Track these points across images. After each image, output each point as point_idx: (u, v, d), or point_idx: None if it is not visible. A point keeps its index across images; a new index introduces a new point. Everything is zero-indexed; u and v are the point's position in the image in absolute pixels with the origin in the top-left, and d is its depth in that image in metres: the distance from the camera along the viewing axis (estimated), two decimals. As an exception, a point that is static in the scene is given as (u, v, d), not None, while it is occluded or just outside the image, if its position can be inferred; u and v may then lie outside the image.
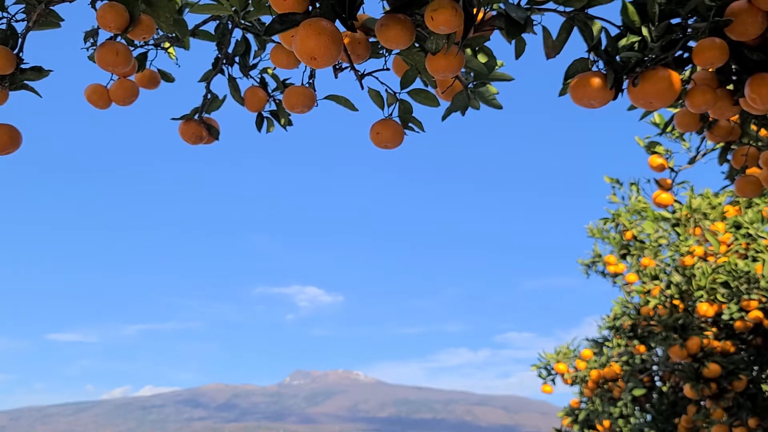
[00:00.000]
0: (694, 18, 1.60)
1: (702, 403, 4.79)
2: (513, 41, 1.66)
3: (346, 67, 1.77)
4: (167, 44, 2.28)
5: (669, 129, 3.24)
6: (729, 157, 2.53)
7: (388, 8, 1.58)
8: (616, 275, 6.21)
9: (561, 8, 1.61)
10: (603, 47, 1.61)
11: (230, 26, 2.22)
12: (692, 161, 3.29)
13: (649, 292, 5.08)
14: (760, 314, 4.36)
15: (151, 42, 2.24)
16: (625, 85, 1.62)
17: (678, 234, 5.09)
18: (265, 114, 2.37)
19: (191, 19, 2.14)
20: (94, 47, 2.13)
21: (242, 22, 2.11)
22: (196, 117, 2.32)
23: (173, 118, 2.29)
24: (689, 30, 1.59)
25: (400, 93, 1.83)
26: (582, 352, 6.02)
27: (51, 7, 1.88)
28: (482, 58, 1.83)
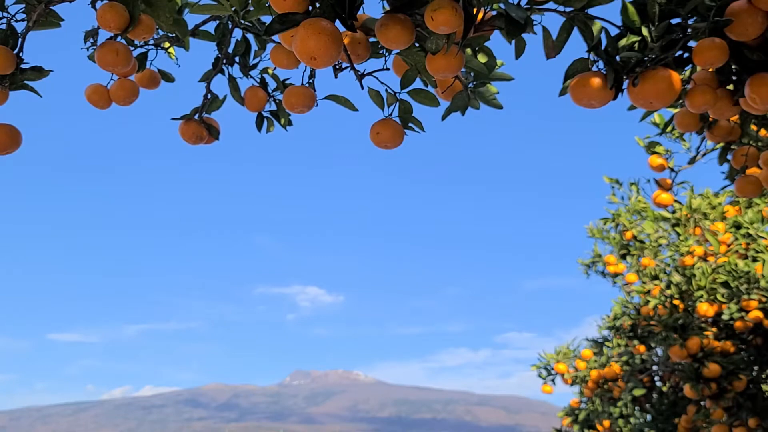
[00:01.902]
0: (694, 18, 1.60)
1: (702, 403, 4.79)
2: (513, 41, 1.66)
3: (346, 67, 1.77)
4: (167, 44, 2.28)
5: (669, 129, 3.24)
6: (729, 157, 2.53)
7: (388, 8, 1.58)
8: (616, 275, 6.21)
9: (561, 8, 1.61)
10: (603, 47, 1.61)
11: (230, 26, 2.22)
12: (692, 161, 3.29)
13: (649, 292, 5.08)
14: (760, 314, 4.36)
15: (151, 42, 2.24)
16: (625, 85, 1.62)
17: (678, 234, 5.09)
18: (265, 114, 2.37)
19: (191, 19, 2.15)
20: (94, 47, 2.13)
21: (242, 22, 2.11)
22: (196, 117, 2.32)
23: (173, 118, 2.29)
24: (689, 30, 1.59)
25: (400, 93, 1.83)
26: (582, 352, 6.02)
27: (51, 7, 1.88)
28: (482, 58, 1.83)
